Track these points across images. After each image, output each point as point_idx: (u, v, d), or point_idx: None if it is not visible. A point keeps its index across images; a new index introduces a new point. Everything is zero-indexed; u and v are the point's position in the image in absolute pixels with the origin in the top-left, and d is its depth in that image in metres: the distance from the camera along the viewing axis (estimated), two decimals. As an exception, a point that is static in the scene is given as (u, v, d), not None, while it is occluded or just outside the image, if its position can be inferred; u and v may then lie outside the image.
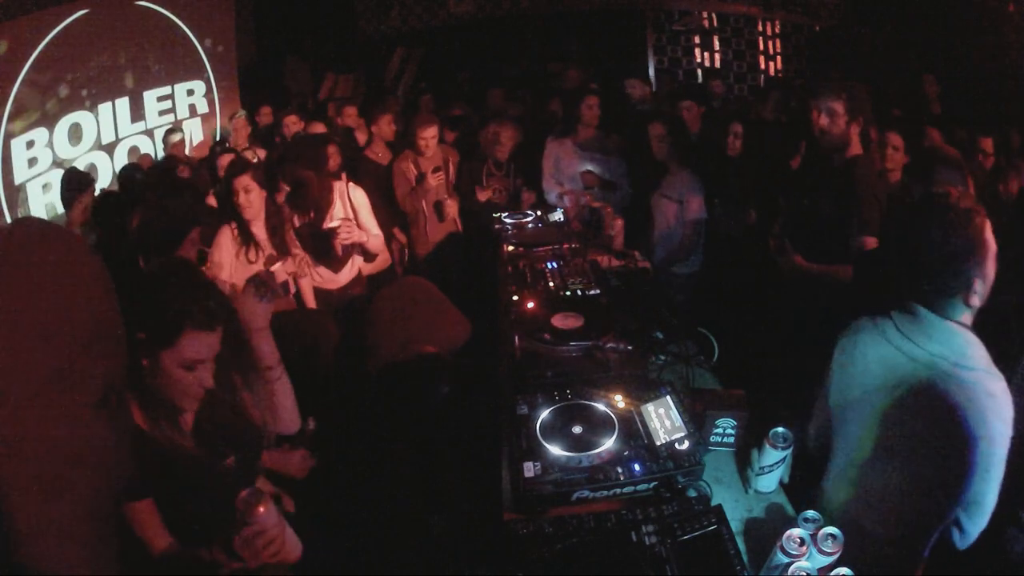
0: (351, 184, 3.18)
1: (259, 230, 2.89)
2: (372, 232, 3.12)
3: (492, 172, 3.97)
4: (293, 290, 2.99)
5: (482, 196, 3.89)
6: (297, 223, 2.97)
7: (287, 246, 2.91)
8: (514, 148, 3.94)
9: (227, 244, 2.85)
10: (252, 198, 2.79)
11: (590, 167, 3.73)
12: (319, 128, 4.31)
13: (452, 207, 3.88)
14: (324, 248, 3.00)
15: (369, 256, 3.22)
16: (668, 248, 3.40)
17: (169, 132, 5.03)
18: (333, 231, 2.91)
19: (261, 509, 1.13)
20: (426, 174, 3.70)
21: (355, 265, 3.20)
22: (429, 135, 3.72)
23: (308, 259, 2.99)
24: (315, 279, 3.09)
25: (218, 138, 5.90)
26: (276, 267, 2.84)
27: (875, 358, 1.42)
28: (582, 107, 3.71)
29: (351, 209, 3.11)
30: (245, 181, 2.79)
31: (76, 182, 4.22)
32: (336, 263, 3.07)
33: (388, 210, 3.93)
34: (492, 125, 3.99)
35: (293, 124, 4.54)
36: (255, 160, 4.27)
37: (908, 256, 1.36)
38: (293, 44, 7.07)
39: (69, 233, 0.91)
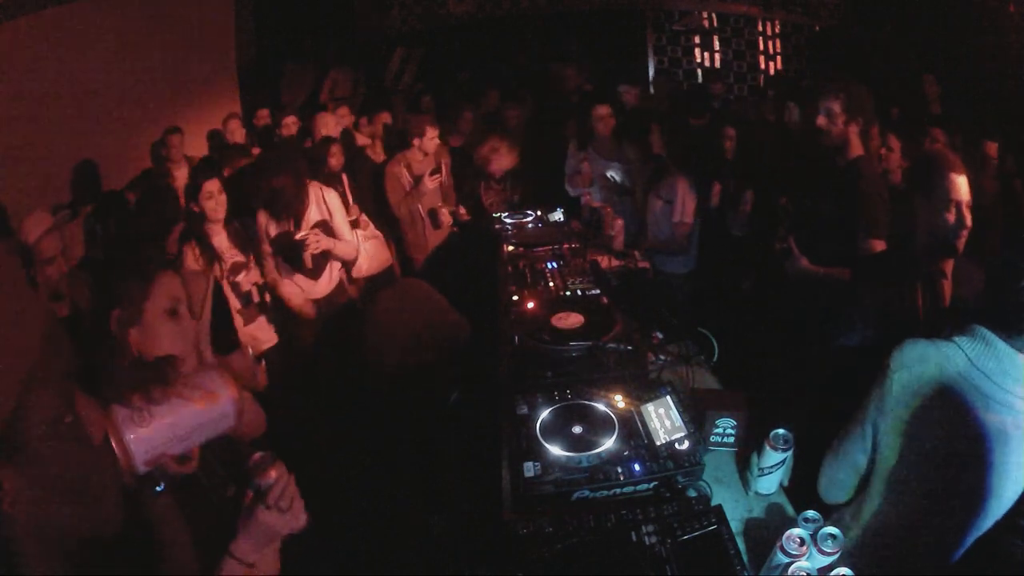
0: (325, 188, 3.15)
1: (220, 241, 2.90)
2: (344, 237, 3.08)
3: (491, 186, 3.94)
4: (256, 299, 2.99)
5: (486, 198, 3.84)
6: (273, 232, 2.96)
7: (259, 255, 2.94)
8: (511, 166, 3.86)
9: (191, 266, 2.85)
10: (219, 202, 2.82)
11: (612, 174, 3.72)
12: (327, 121, 4.29)
13: (446, 215, 3.84)
14: (297, 256, 2.99)
15: (342, 262, 3.19)
16: (658, 246, 3.41)
17: (167, 132, 5.01)
18: (302, 243, 2.90)
19: (273, 473, 1.14)
20: (423, 176, 3.67)
21: (334, 273, 3.16)
22: (435, 134, 3.71)
23: (282, 266, 2.99)
24: (294, 290, 3.06)
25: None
26: (239, 278, 2.88)
27: (948, 394, 1.22)
28: (593, 118, 3.65)
29: (327, 212, 3.08)
30: (211, 186, 2.82)
31: (89, 176, 4.27)
32: (311, 271, 3.06)
33: (384, 210, 3.92)
34: (491, 140, 3.87)
35: (292, 124, 4.56)
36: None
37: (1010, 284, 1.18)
38: (293, 44, 7.07)
39: None
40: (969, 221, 1.84)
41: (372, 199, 3.88)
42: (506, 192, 3.96)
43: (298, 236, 2.91)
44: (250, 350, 2.09)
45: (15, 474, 0.68)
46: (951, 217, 1.83)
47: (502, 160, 3.79)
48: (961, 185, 1.83)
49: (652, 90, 6.95)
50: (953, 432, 1.22)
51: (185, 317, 1.28)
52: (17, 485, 0.69)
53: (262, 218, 2.96)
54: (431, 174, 3.65)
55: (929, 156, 2.25)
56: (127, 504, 0.97)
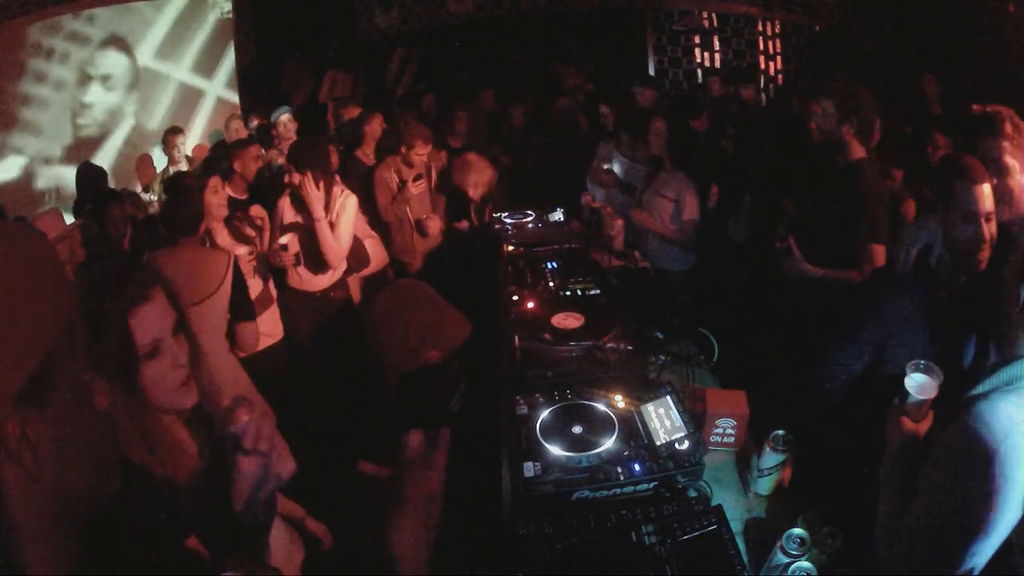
0: (347, 190, 3.14)
1: (223, 238, 2.91)
2: (339, 240, 3.03)
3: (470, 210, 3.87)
4: (260, 292, 2.97)
5: (433, 229, 3.80)
6: (288, 221, 3.00)
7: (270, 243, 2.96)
8: (488, 190, 3.77)
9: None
10: (220, 198, 2.84)
11: (613, 168, 3.72)
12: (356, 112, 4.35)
13: (434, 226, 3.82)
14: (311, 249, 3.00)
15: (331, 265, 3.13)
16: (664, 247, 3.39)
17: (168, 132, 5.02)
18: (284, 246, 2.88)
19: (244, 415, 1.05)
20: (407, 182, 3.66)
21: (338, 268, 3.15)
22: (426, 152, 3.69)
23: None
24: (294, 279, 3.08)
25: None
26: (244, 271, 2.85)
27: None
28: (600, 114, 3.70)
29: (335, 214, 3.05)
30: (215, 182, 2.84)
31: (90, 176, 4.30)
32: (318, 265, 3.05)
33: (373, 214, 3.92)
34: (464, 155, 3.77)
35: (289, 123, 4.57)
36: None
37: None
38: (293, 44, 7.07)
39: (29, 229, 0.89)
40: (988, 234, 1.69)
41: (362, 200, 3.88)
42: (480, 212, 3.85)
43: (281, 241, 2.91)
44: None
45: (39, 423, 0.72)
46: (969, 230, 1.70)
47: (481, 183, 3.67)
48: (979, 195, 1.69)
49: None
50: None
51: (167, 353, 1.12)
52: (40, 434, 0.72)
53: (283, 204, 3.02)
54: (414, 180, 3.64)
55: (947, 162, 2.12)
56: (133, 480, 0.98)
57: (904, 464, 1.28)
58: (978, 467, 1.08)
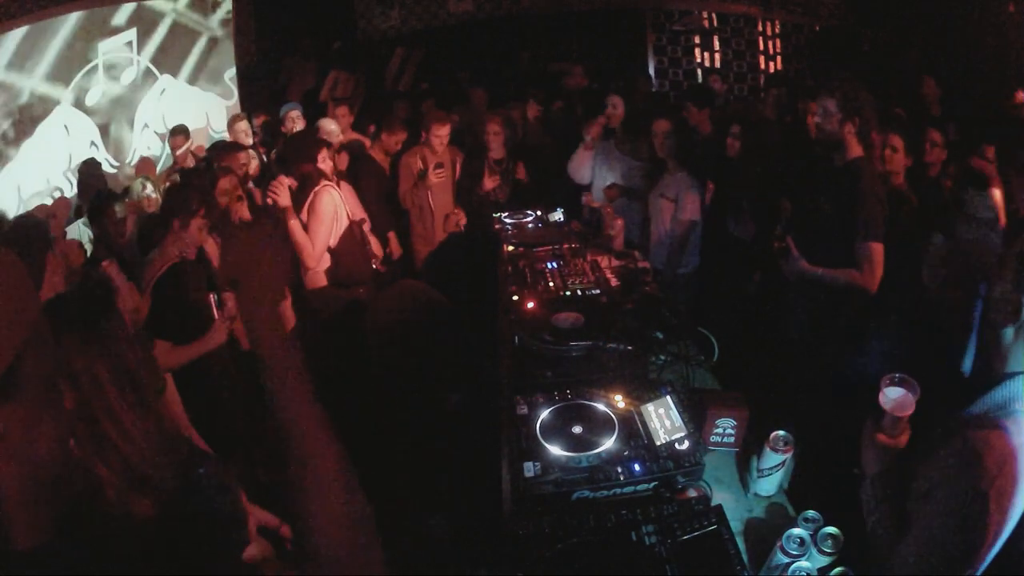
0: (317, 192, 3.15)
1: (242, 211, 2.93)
2: (315, 239, 3.06)
3: (493, 169, 3.95)
4: None
5: (489, 183, 3.85)
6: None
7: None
8: (506, 143, 3.89)
9: (215, 253, 2.87)
10: (233, 199, 2.85)
11: (617, 179, 3.72)
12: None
13: (461, 218, 3.87)
14: None
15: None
16: (666, 248, 3.39)
17: (172, 133, 5.02)
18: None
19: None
20: (428, 171, 3.70)
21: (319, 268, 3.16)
22: (443, 133, 3.75)
23: None
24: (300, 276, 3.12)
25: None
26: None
27: None
28: (607, 108, 3.70)
29: (305, 211, 3.09)
30: (226, 183, 2.84)
31: (91, 175, 4.32)
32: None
33: (388, 209, 3.93)
34: (482, 120, 3.97)
35: (297, 119, 4.57)
36: (257, 161, 4.29)
37: None
38: (293, 44, 7.08)
39: None
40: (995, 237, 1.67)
41: (377, 198, 3.90)
42: (508, 177, 3.93)
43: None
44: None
45: (8, 415, 0.71)
46: (976, 232, 1.70)
47: (496, 139, 3.82)
48: (985, 201, 1.68)
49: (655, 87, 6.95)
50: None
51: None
52: (9, 424, 0.71)
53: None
54: (435, 168, 3.68)
55: (958, 171, 2.08)
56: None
57: (888, 485, 1.24)
58: (973, 507, 1.05)
